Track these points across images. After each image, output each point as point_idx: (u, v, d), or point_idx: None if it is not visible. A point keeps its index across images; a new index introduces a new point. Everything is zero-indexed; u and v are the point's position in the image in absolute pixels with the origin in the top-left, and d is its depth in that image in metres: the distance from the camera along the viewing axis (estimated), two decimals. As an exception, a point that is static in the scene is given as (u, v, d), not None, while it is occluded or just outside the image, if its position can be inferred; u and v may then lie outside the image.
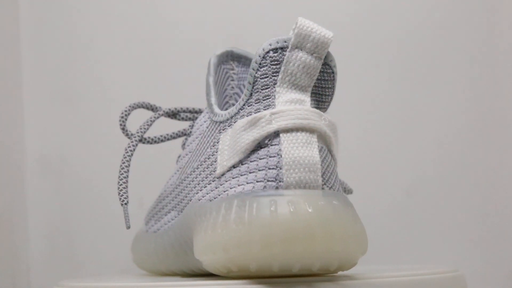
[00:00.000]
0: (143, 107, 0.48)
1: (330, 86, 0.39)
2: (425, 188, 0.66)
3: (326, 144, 0.37)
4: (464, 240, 0.65)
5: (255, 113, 0.38)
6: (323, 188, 0.36)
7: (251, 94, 0.39)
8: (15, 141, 0.67)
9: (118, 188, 0.43)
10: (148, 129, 0.46)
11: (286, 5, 0.68)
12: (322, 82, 0.39)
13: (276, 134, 0.37)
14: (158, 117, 0.47)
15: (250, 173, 0.37)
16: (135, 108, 0.47)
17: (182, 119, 0.48)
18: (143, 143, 0.47)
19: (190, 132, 0.46)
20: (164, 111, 0.47)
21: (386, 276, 0.38)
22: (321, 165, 0.36)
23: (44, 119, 0.68)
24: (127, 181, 0.43)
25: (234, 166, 0.38)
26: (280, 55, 0.38)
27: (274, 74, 0.38)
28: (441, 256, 0.65)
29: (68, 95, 0.68)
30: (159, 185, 0.63)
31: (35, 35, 0.69)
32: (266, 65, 0.38)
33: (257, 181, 0.36)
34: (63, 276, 0.64)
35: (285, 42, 0.39)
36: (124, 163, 0.44)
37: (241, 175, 0.37)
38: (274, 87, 0.38)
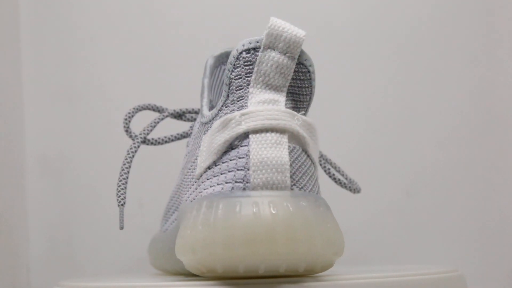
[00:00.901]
0: (149, 109, 0.48)
1: (306, 85, 0.38)
2: (425, 188, 0.66)
3: (300, 144, 0.37)
4: (464, 240, 0.65)
5: (230, 114, 0.38)
6: (292, 189, 0.36)
7: (227, 96, 0.39)
8: (15, 141, 0.67)
9: (117, 188, 0.43)
10: (152, 130, 0.46)
11: (286, 5, 0.68)
12: (298, 82, 0.38)
13: (246, 135, 0.37)
14: (163, 118, 0.47)
15: (221, 174, 0.37)
16: (140, 110, 0.47)
17: (188, 120, 0.48)
18: (147, 144, 0.46)
19: (191, 133, 0.46)
20: (169, 112, 0.47)
21: (386, 276, 0.38)
22: (291, 165, 0.36)
23: (44, 118, 0.68)
24: (126, 182, 0.43)
25: (209, 167, 0.38)
26: (253, 55, 0.38)
27: (248, 75, 0.38)
28: (441, 256, 0.65)
29: (68, 95, 0.68)
30: (158, 185, 0.63)
31: (35, 35, 0.69)
32: (240, 66, 0.38)
33: (226, 183, 0.36)
34: (63, 276, 0.64)
35: (258, 42, 0.38)
36: (125, 164, 0.44)
37: (214, 176, 0.37)
38: (247, 88, 0.38)
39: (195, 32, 0.68)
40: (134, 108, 0.47)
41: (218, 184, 0.36)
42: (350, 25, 0.68)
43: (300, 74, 0.38)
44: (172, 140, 0.48)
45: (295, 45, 0.38)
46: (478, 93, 0.66)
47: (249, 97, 0.38)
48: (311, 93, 0.39)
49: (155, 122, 0.46)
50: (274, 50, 0.38)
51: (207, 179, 0.37)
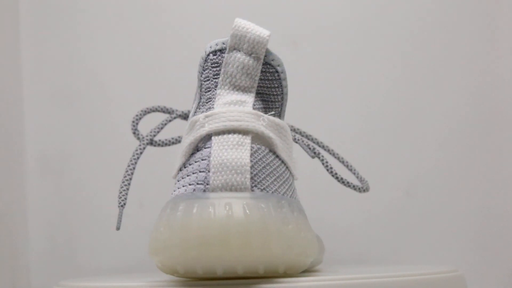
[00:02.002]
0: (158, 111, 0.48)
1: (276, 85, 0.38)
2: (425, 188, 0.66)
3: (266, 144, 0.37)
4: (464, 240, 0.65)
5: (195, 116, 0.38)
6: (253, 190, 0.36)
7: (200, 98, 0.39)
8: (15, 141, 0.67)
9: (120, 190, 0.43)
10: (159, 132, 0.46)
11: (286, 5, 0.68)
12: (266, 82, 0.38)
13: (209, 136, 0.37)
14: (171, 120, 0.47)
15: (187, 176, 0.37)
16: (149, 112, 0.47)
17: None
18: (154, 145, 0.46)
19: None
20: (178, 113, 0.47)
21: (386, 276, 0.38)
22: (253, 166, 0.36)
23: (44, 118, 0.68)
24: (129, 183, 0.43)
25: (180, 169, 0.38)
26: (220, 57, 0.38)
27: (215, 77, 0.38)
28: (441, 256, 0.65)
29: (68, 95, 0.68)
30: (158, 185, 0.63)
31: (35, 35, 0.69)
32: (208, 68, 0.39)
33: (189, 184, 0.36)
34: (63, 276, 0.64)
35: (224, 44, 0.38)
36: (129, 166, 0.44)
37: (182, 178, 0.37)
38: (215, 89, 0.38)
39: (196, 32, 0.68)
40: (142, 111, 0.47)
41: (183, 186, 0.37)
42: (350, 25, 0.68)
43: (268, 74, 0.38)
44: (179, 142, 0.48)
45: (260, 46, 0.38)
46: (478, 93, 0.66)
47: (216, 99, 0.38)
48: (282, 93, 0.39)
49: (163, 124, 0.46)
50: (239, 51, 0.38)
51: (178, 181, 0.38)
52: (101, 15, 0.69)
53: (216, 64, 0.38)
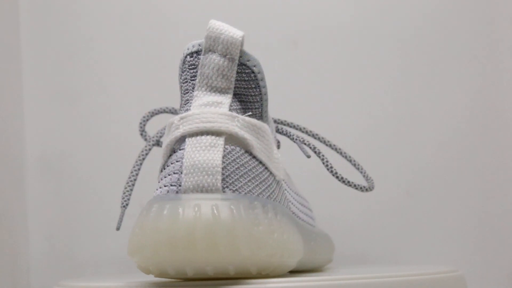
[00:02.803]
0: (165, 112, 0.48)
1: (253, 86, 0.39)
2: (425, 188, 0.66)
3: (241, 145, 0.37)
4: (464, 240, 0.65)
5: (172, 118, 0.38)
6: (224, 191, 0.36)
7: (180, 100, 0.39)
8: (15, 141, 0.67)
9: (124, 190, 0.43)
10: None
11: (286, 5, 0.68)
12: (243, 83, 0.38)
13: (183, 138, 0.37)
14: None
15: (164, 177, 0.37)
16: (156, 114, 0.47)
17: None
18: (160, 146, 0.47)
19: None
20: None
21: (386, 276, 0.38)
22: (226, 167, 0.36)
23: (44, 118, 0.68)
24: (134, 184, 0.44)
25: (161, 170, 0.38)
26: (196, 59, 0.38)
27: (193, 79, 0.38)
28: (441, 256, 0.65)
29: (68, 95, 0.68)
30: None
31: (35, 35, 0.69)
32: (186, 70, 0.39)
33: (164, 186, 0.37)
34: (63, 276, 0.64)
35: (200, 45, 0.39)
36: (134, 166, 0.44)
37: (161, 179, 0.38)
38: (192, 91, 0.38)
39: (196, 32, 0.68)
40: (149, 112, 0.47)
41: (159, 188, 0.37)
42: (351, 25, 0.68)
43: (244, 75, 0.38)
44: None
45: (233, 47, 0.38)
46: (479, 93, 0.66)
47: (193, 101, 0.38)
48: (260, 94, 0.39)
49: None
50: (214, 52, 0.38)
51: (158, 182, 0.38)
52: (101, 15, 0.69)
53: (193, 66, 0.39)
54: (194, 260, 0.34)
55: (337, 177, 0.47)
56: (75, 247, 0.67)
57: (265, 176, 0.38)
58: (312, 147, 0.48)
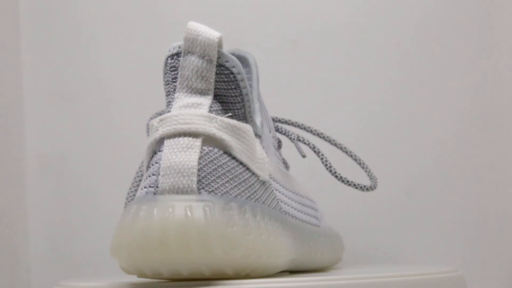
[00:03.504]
0: None
1: (233, 87, 0.39)
2: (425, 188, 0.66)
3: (219, 146, 0.37)
4: (464, 240, 0.65)
5: (152, 120, 0.39)
6: (200, 193, 0.36)
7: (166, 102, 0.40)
8: (15, 141, 0.67)
9: (128, 190, 0.44)
10: None
11: (286, 5, 0.68)
12: (222, 84, 0.39)
13: (162, 140, 0.37)
14: None
15: (146, 179, 0.37)
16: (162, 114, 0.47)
17: None
18: None
19: None
20: None
21: (386, 276, 0.38)
22: (202, 168, 0.36)
23: (44, 118, 0.68)
24: (138, 185, 0.44)
25: (146, 172, 0.39)
26: (176, 61, 0.39)
27: (174, 81, 0.39)
28: (441, 256, 0.65)
29: (68, 95, 0.68)
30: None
31: (35, 35, 0.69)
32: (168, 72, 0.39)
33: (144, 187, 0.37)
34: (63, 276, 0.64)
35: (179, 48, 0.39)
36: (140, 167, 0.44)
37: (144, 181, 0.38)
38: (174, 93, 0.39)
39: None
40: (156, 113, 0.47)
41: (141, 189, 0.37)
42: (351, 25, 0.68)
43: (223, 76, 0.38)
44: None
45: (210, 48, 0.38)
46: (478, 93, 0.66)
47: (174, 102, 0.38)
48: (241, 94, 0.39)
49: None
50: (193, 54, 0.38)
51: (143, 183, 0.39)
52: (101, 15, 0.69)
53: (174, 68, 0.39)
54: (167, 260, 0.35)
55: (336, 176, 0.47)
56: (75, 247, 0.67)
57: (246, 176, 0.38)
58: (312, 146, 0.48)
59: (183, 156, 0.36)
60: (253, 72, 0.46)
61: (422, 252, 0.65)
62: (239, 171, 0.38)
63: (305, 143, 0.48)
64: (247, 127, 0.39)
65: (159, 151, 0.37)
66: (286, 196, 0.44)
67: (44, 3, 0.69)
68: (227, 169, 0.37)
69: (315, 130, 0.50)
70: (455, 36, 0.67)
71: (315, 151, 0.48)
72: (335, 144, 0.50)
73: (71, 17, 0.69)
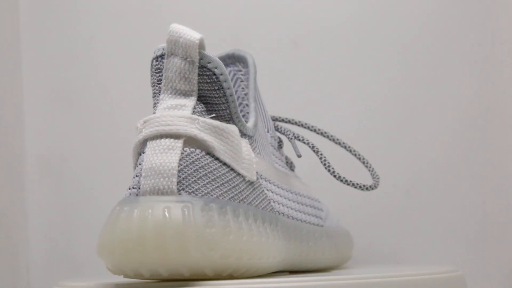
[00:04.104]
0: None
1: (216, 88, 0.39)
2: (425, 188, 0.66)
3: (201, 147, 0.37)
4: (464, 240, 0.65)
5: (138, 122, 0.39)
6: (180, 194, 0.36)
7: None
8: (15, 141, 0.67)
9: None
10: None
11: (286, 5, 0.68)
12: (205, 85, 0.39)
13: (146, 141, 0.38)
14: None
15: (132, 180, 0.38)
16: None
17: None
18: None
19: None
20: None
21: (386, 276, 0.38)
22: (183, 170, 0.36)
23: (44, 119, 0.68)
24: None
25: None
26: (161, 63, 0.39)
27: (159, 82, 0.39)
28: (441, 256, 0.65)
29: (68, 95, 0.68)
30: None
31: (35, 35, 0.69)
32: (153, 74, 0.39)
33: (129, 189, 0.37)
34: (63, 276, 0.64)
35: (163, 49, 0.39)
36: None
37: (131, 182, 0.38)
38: (159, 95, 0.39)
39: (197, 32, 0.68)
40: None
41: (126, 190, 0.38)
42: (351, 25, 0.68)
43: (205, 77, 0.39)
44: None
45: (192, 49, 0.38)
46: (479, 93, 0.66)
47: (159, 104, 0.39)
48: (225, 95, 0.39)
49: None
50: (176, 56, 0.38)
51: (129, 184, 0.39)
52: (101, 15, 0.69)
53: (158, 70, 0.39)
54: (146, 261, 0.35)
55: (334, 176, 0.47)
56: (75, 247, 0.67)
57: (230, 177, 0.38)
58: (311, 146, 0.48)
59: (164, 157, 0.36)
60: (251, 72, 0.46)
61: (422, 252, 0.65)
62: (222, 172, 0.38)
63: (304, 143, 0.48)
64: (231, 127, 0.39)
65: (143, 153, 0.37)
66: (281, 196, 0.44)
67: (44, 3, 0.69)
68: (209, 170, 0.37)
69: (319, 129, 0.50)
70: (456, 35, 0.67)
71: (314, 151, 0.47)
72: (339, 143, 0.50)
73: (71, 17, 0.69)
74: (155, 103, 0.39)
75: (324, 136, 0.51)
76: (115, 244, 0.35)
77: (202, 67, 0.38)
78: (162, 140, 0.37)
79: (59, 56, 0.68)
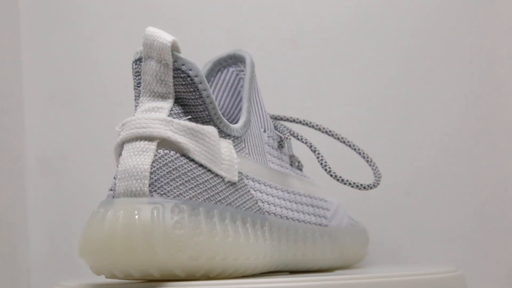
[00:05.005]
0: None
1: (191, 90, 0.39)
2: (425, 188, 0.66)
3: (175, 149, 0.38)
4: (464, 240, 0.65)
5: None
6: (152, 195, 0.36)
7: None
8: (15, 141, 0.67)
9: None
10: None
11: (286, 5, 0.68)
12: (181, 87, 0.39)
13: (123, 144, 0.38)
14: None
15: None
16: None
17: None
18: None
19: None
20: None
21: (386, 276, 0.38)
22: (156, 171, 0.37)
23: (44, 118, 0.68)
24: None
25: None
26: (139, 66, 0.39)
27: (138, 85, 0.40)
28: (441, 256, 0.65)
29: (68, 95, 0.68)
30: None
31: (35, 35, 0.69)
32: (134, 78, 0.40)
33: (108, 190, 0.38)
34: (63, 276, 0.64)
35: (141, 53, 0.40)
36: None
37: None
38: (139, 97, 0.39)
39: (197, 33, 0.68)
40: None
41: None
42: (351, 24, 0.68)
43: (180, 79, 0.39)
44: None
45: (165, 52, 0.38)
46: (479, 93, 0.66)
47: (138, 107, 0.39)
48: (201, 97, 0.39)
49: None
50: (152, 59, 0.39)
51: None
52: (101, 15, 0.69)
53: (137, 73, 0.40)
54: (117, 262, 0.36)
55: (331, 175, 0.47)
56: (75, 247, 0.67)
57: (206, 178, 0.38)
58: (309, 145, 0.48)
59: (137, 159, 0.37)
60: (247, 72, 0.46)
61: (422, 252, 0.65)
62: (197, 173, 0.38)
63: (302, 142, 0.48)
64: (208, 129, 0.39)
65: (120, 155, 0.38)
66: (273, 196, 0.44)
67: (44, 3, 0.69)
68: (183, 171, 0.37)
69: (324, 128, 0.50)
70: (455, 36, 0.67)
71: (311, 150, 0.47)
72: (344, 142, 0.50)
73: (71, 17, 0.69)
74: (136, 106, 0.40)
75: (329, 135, 0.50)
76: (91, 245, 0.36)
77: (176, 69, 0.39)
78: (137, 142, 0.38)
79: (59, 56, 0.68)
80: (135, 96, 0.40)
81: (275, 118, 0.51)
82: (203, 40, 0.68)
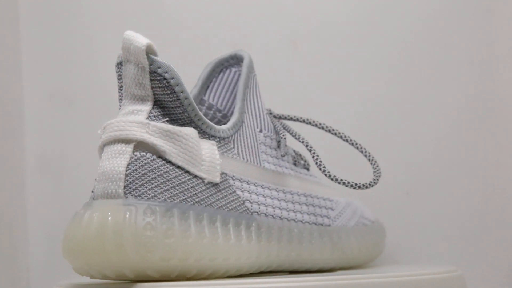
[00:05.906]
0: None
1: (168, 92, 0.39)
2: (425, 188, 0.66)
3: (152, 151, 0.38)
4: (464, 240, 0.65)
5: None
6: (126, 197, 0.37)
7: None
8: (15, 141, 0.67)
9: None
10: None
11: (286, 5, 0.68)
12: (158, 90, 0.39)
13: (103, 147, 0.39)
14: None
15: None
16: None
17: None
18: None
19: None
20: None
21: (386, 276, 0.38)
22: (131, 173, 0.37)
23: (44, 118, 0.68)
24: None
25: None
26: (120, 69, 0.40)
27: (121, 89, 0.40)
28: (441, 256, 0.65)
29: (68, 95, 0.68)
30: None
31: (35, 35, 0.69)
32: (117, 81, 0.41)
33: (91, 192, 0.39)
34: (63, 276, 0.64)
35: (122, 57, 0.40)
36: None
37: None
38: (121, 100, 0.40)
39: (197, 33, 0.68)
40: None
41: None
42: (351, 24, 0.68)
43: (157, 82, 0.39)
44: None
45: (140, 55, 0.39)
46: (479, 93, 0.66)
47: (120, 109, 0.40)
48: (179, 99, 0.39)
49: None
50: (131, 62, 0.39)
51: None
52: (101, 15, 0.69)
53: (120, 77, 0.40)
54: (91, 263, 0.37)
55: (325, 175, 0.47)
56: (75, 247, 0.67)
57: (183, 179, 0.38)
58: (305, 144, 0.47)
59: (113, 162, 0.38)
60: (242, 72, 0.46)
61: (422, 252, 0.65)
62: (174, 175, 0.38)
63: (300, 141, 0.48)
64: (186, 130, 0.39)
65: (101, 158, 0.39)
66: (264, 196, 0.44)
67: (44, 3, 0.69)
68: (159, 173, 0.38)
69: (327, 127, 0.50)
70: (455, 35, 0.67)
71: (308, 149, 0.47)
72: (347, 140, 0.50)
73: (71, 17, 0.69)
74: (119, 108, 0.40)
75: (331, 133, 0.50)
76: (70, 245, 0.37)
77: (152, 72, 0.39)
78: (115, 145, 0.38)
79: (59, 56, 0.68)
80: (119, 99, 0.40)
81: (276, 117, 0.51)
82: (203, 42, 0.68)
